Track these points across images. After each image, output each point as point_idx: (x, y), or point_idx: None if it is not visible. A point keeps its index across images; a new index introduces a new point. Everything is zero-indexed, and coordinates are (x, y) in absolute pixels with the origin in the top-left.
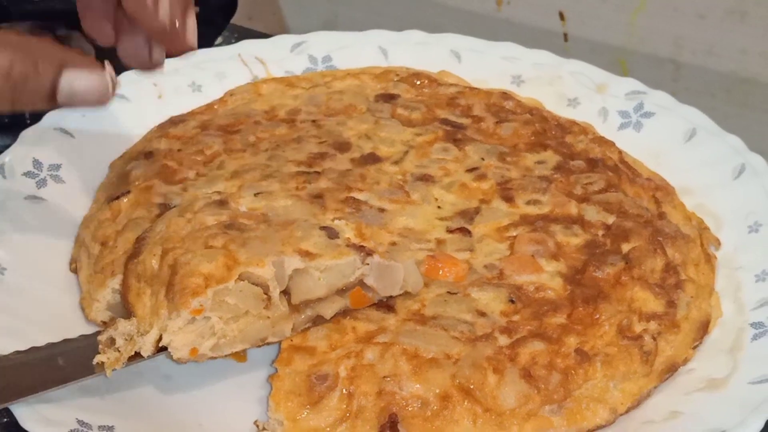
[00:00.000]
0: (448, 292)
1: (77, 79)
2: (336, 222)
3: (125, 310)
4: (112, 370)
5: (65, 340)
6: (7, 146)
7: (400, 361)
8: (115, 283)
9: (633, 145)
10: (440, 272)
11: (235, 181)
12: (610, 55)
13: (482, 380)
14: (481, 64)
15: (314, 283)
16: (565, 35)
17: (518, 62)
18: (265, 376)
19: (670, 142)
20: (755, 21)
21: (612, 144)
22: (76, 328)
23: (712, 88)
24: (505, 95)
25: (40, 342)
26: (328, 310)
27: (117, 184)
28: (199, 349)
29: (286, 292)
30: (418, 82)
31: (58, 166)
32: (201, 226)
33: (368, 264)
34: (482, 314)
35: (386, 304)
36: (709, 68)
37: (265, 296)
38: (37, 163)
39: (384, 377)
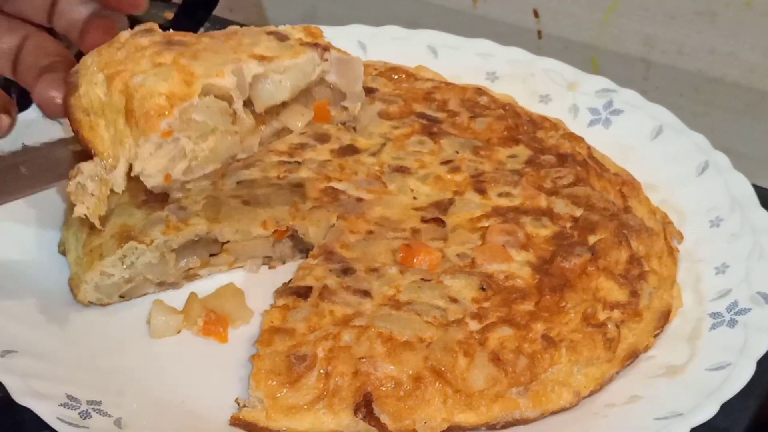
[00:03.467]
0: (422, 279)
1: None
2: (281, 27)
3: (83, 150)
4: (99, 217)
5: (25, 149)
6: None
7: (375, 344)
8: (104, 265)
9: (602, 141)
10: (415, 260)
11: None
12: (582, 52)
13: (453, 363)
14: (457, 60)
15: (276, 87)
16: (539, 32)
17: (493, 59)
18: (246, 356)
19: (638, 139)
20: (724, 22)
21: (581, 140)
22: (65, 307)
23: (682, 87)
24: (480, 91)
25: (31, 322)
26: (294, 121)
27: None
28: (173, 174)
29: (249, 104)
30: (396, 77)
31: None
32: (137, 47)
33: (327, 59)
34: (454, 301)
35: (362, 290)
36: (678, 67)
37: (231, 110)
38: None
39: (360, 358)
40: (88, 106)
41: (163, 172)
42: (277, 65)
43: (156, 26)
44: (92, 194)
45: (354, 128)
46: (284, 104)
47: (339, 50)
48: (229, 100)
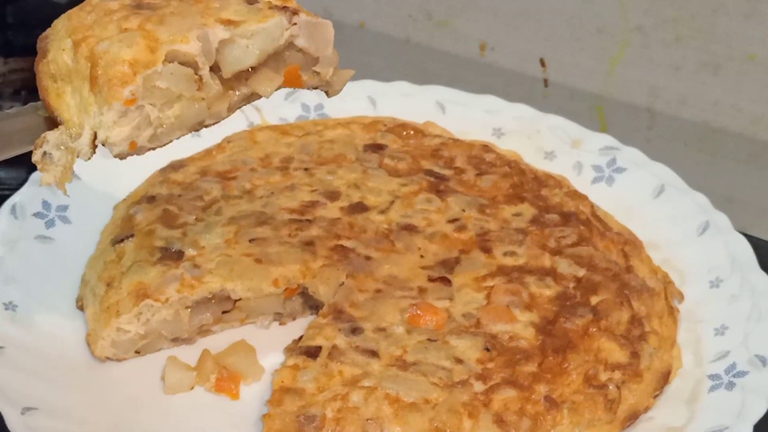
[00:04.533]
0: (429, 339)
1: None
2: None
3: (50, 117)
4: (66, 185)
5: None
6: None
7: (382, 405)
8: (120, 322)
9: (605, 198)
10: (422, 320)
11: (232, 227)
12: (587, 101)
13: (458, 425)
14: (465, 115)
15: (243, 52)
16: (546, 81)
17: (499, 115)
18: (258, 414)
19: (640, 197)
20: (727, 74)
21: (585, 198)
22: (83, 363)
23: (685, 137)
24: (486, 148)
25: (50, 379)
26: (264, 87)
27: (121, 227)
28: (138, 142)
29: (217, 69)
30: (405, 133)
31: (65, 207)
32: (106, 11)
33: (296, 23)
34: (459, 361)
35: (370, 350)
36: (682, 118)
37: (197, 76)
38: (46, 204)
39: (367, 420)
40: (56, 72)
41: (128, 141)
42: (244, 30)
43: None
44: (58, 163)
45: (327, 93)
46: (253, 69)
47: (309, 14)
48: (195, 66)
